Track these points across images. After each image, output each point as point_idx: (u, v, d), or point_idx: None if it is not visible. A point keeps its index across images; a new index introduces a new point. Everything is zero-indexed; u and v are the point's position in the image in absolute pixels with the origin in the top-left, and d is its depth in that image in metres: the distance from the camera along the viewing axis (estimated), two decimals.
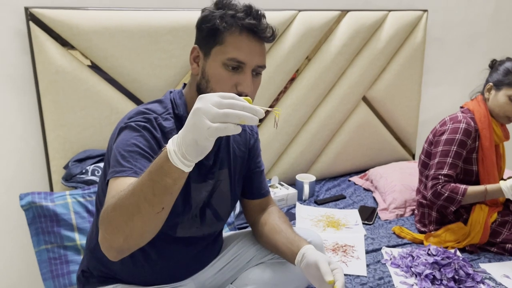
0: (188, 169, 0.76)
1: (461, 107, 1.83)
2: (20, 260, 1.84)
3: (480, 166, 1.73)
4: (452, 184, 1.64)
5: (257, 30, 0.99)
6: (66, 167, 1.72)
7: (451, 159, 1.67)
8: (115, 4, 1.75)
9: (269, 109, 0.82)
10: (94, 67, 1.72)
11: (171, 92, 1.12)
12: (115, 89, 1.78)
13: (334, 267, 0.97)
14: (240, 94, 0.96)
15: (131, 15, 1.74)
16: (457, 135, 1.68)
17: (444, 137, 1.71)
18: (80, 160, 1.70)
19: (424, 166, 1.83)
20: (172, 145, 0.75)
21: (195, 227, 1.14)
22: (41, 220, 1.48)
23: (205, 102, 0.71)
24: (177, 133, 1.00)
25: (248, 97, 0.78)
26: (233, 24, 0.98)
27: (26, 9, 1.59)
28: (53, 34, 1.64)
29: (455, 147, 1.67)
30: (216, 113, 0.70)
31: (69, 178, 1.67)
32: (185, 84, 1.14)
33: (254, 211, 1.30)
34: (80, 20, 1.65)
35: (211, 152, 1.11)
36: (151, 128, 1.00)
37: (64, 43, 1.66)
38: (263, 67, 1.04)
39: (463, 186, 1.63)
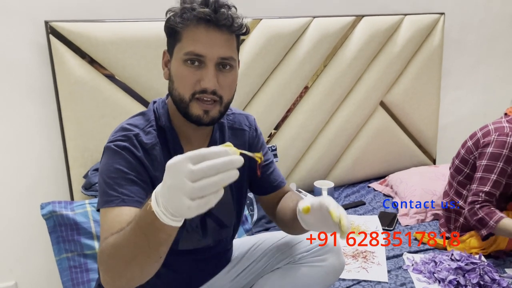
0: (180, 223, 0.71)
1: (505, 114, 1.72)
2: (42, 268, 1.86)
3: None
4: (491, 208, 1.55)
5: (212, 18, 0.91)
6: (85, 176, 1.74)
7: (495, 176, 1.57)
8: (131, 16, 1.78)
9: (248, 153, 0.72)
10: (112, 77, 1.76)
11: (154, 102, 1.08)
12: (132, 99, 1.81)
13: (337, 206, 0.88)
14: (204, 91, 0.93)
15: (147, 26, 1.77)
16: (504, 150, 1.58)
17: (490, 149, 1.61)
18: None
19: (456, 171, 1.76)
20: (157, 207, 0.68)
21: (197, 239, 1.11)
22: (62, 229, 1.50)
23: (177, 176, 0.62)
24: (160, 147, 0.99)
25: (228, 143, 0.68)
26: (189, 18, 0.92)
27: (46, 22, 1.64)
28: (72, 46, 1.68)
29: (501, 164, 1.58)
30: (192, 189, 0.61)
31: (89, 187, 1.69)
32: None
33: (272, 204, 1.23)
34: (98, 32, 1.69)
35: None
36: (131, 147, 0.96)
37: (83, 55, 1.70)
38: (230, 59, 0.95)
39: (499, 214, 1.52)
